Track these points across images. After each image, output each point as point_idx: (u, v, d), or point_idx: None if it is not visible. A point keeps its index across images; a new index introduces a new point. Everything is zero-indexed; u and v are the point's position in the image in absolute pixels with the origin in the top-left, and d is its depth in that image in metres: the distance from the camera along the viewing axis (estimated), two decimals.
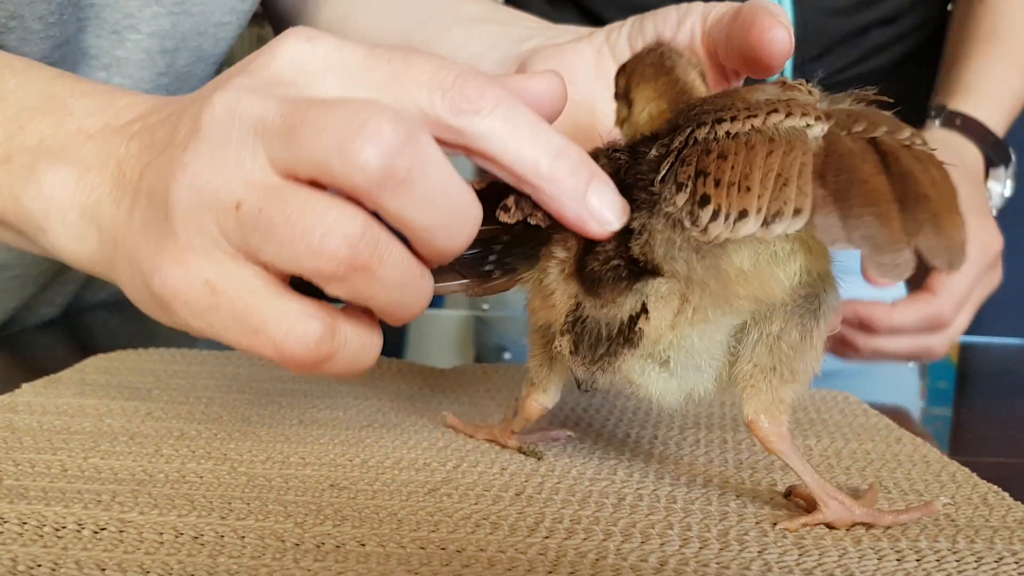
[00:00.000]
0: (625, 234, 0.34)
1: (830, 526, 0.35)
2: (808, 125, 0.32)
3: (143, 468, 0.39)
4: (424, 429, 0.46)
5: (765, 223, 0.30)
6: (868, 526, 0.35)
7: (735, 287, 0.33)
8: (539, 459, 0.42)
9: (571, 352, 0.35)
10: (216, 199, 0.32)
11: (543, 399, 0.41)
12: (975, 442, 0.55)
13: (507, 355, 0.77)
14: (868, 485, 0.39)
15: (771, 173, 0.31)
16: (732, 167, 0.31)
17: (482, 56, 0.56)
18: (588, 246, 0.35)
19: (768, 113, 0.32)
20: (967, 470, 0.42)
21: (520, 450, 0.43)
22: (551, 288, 0.36)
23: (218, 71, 0.72)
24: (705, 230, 0.32)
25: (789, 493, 0.38)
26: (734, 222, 0.31)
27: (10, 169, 0.39)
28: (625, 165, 0.35)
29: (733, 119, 0.32)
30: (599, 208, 0.34)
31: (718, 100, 0.34)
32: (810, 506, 0.36)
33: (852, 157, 0.30)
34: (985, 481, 0.40)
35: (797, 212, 0.30)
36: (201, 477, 0.38)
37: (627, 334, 0.34)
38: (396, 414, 0.48)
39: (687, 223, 0.32)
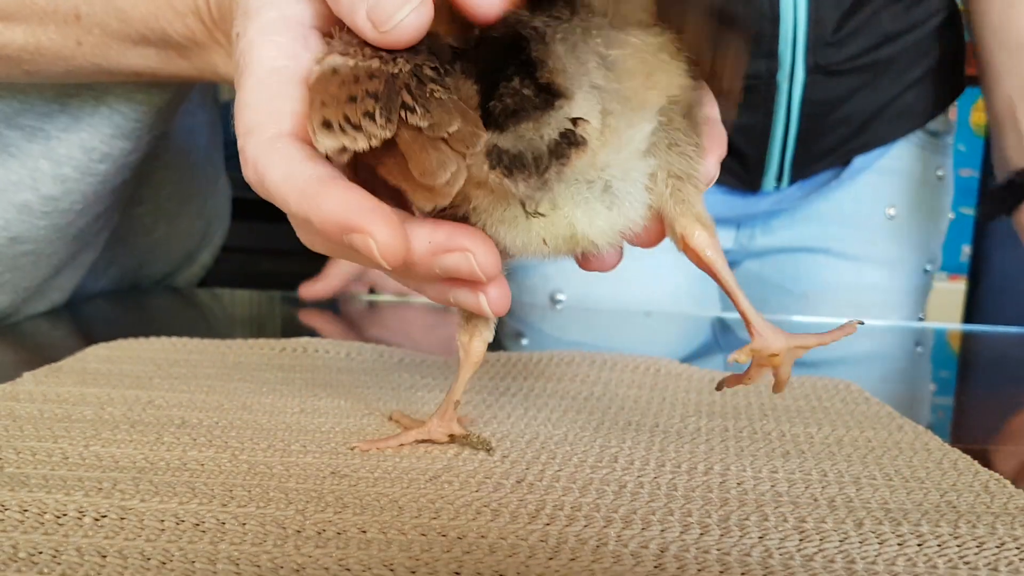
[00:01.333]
0: (527, 68, 0.32)
1: (765, 355, 0.36)
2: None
3: (144, 456, 0.39)
4: (425, 417, 0.46)
5: None
6: (866, 507, 0.35)
7: (646, 87, 0.33)
8: (488, 451, 0.40)
9: (506, 176, 0.32)
10: None
11: (487, 334, 0.40)
12: (977, 430, 0.55)
13: (525, 341, 0.76)
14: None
15: None
16: None
17: None
18: (485, 99, 0.32)
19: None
20: (969, 458, 0.42)
21: (466, 442, 0.41)
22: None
23: None
24: None
25: (720, 386, 0.40)
26: None
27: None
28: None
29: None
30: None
31: None
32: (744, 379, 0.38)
33: None
34: (987, 468, 0.40)
35: None
36: (202, 465, 0.38)
37: (563, 147, 0.32)
38: (398, 403, 0.48)
39: None
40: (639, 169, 0.35)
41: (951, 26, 0.92)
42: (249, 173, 0.34)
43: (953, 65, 0.94)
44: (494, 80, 0.32)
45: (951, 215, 0.99)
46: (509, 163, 0.32)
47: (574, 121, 0.32)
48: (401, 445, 0.41)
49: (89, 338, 0.59)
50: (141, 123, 0.64)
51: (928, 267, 0.98)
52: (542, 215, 0.34)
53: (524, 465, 0.39)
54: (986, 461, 0.41)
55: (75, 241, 0.68)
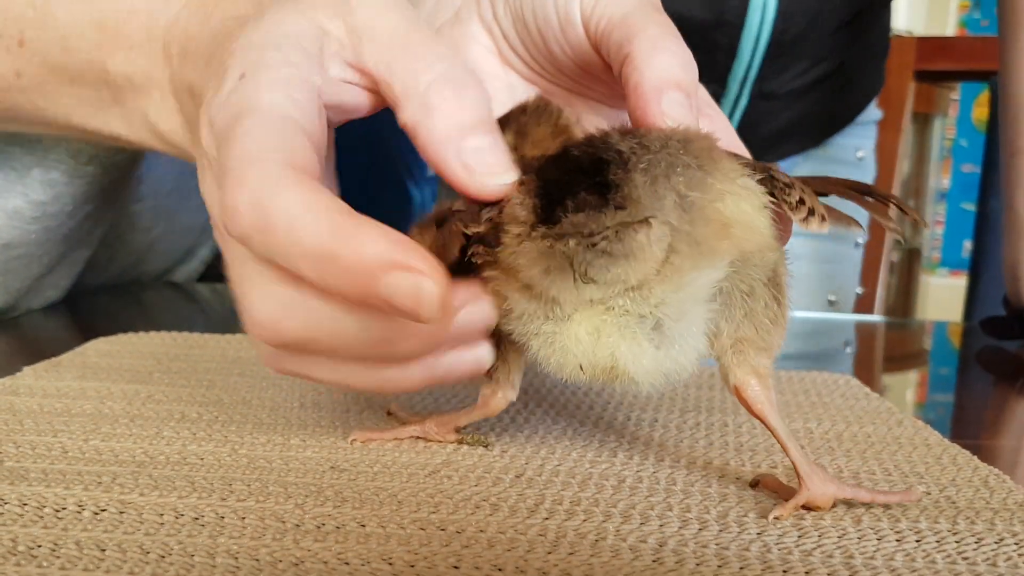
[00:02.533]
0: (599, 190, 0.32)
1: (811, 507, 0.34)
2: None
3: (144, 450, 0.39)
4: (424, 412, 0.46)
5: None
6: (866, 505, 0.35)
7: (719, 236, 0.32)
8: (487, 447, 0.40)
9: (555, 240, 0.32)
10: None
11: (510, 394, 0.39)
12: (976, 425, 0.55)
13: None
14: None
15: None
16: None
17: None
18: (548, 208, 0.32)
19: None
20: (968, 453, 0.42)
21: (463, 441, 0.41)
22: (511, 256, 0.33)
23: None
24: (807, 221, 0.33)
25: (756, 483, 0.37)
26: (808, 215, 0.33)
27: (125, 111, 0.44)
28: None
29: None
30: (398, 300, 0.29)
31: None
32: (780, 494, 0.36)
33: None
34: (986, 464, 0.40)
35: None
36: (202, 459, 0.38)
37: (627, 228, 0.31)
38: (397, 398, 0.48)
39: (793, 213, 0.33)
40: (697, 315, 0.34)
41: (878, 33, 0.94)
42: (244, 203, 0.30)
43: (875, 69, 0.97)
44: (560, 197, 0.32)
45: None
46: (559, 233, 0.32)
47: (638, 223, 0.31)
48: (396, 439, 0.41)
49: (89, 332, 0.59)
50: None
51: (859, 240, 1.03)
52: (590, 282, 0.32)
53: (523, 460, 0.39)
54: (985, 456, 0.41)
55: (65, 241, 0.68)
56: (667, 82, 0.35)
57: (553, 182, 0.33)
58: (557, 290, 0.33)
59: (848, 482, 0.36)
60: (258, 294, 0.32)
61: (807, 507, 0.34)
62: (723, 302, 0.34)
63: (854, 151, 1.01)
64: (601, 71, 0.40)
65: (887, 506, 0.35)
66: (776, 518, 0.34)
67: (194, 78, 0.39)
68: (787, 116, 0.91)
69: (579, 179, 0.32)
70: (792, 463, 0.35)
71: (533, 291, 0.33)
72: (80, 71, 0.44)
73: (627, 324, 0.33)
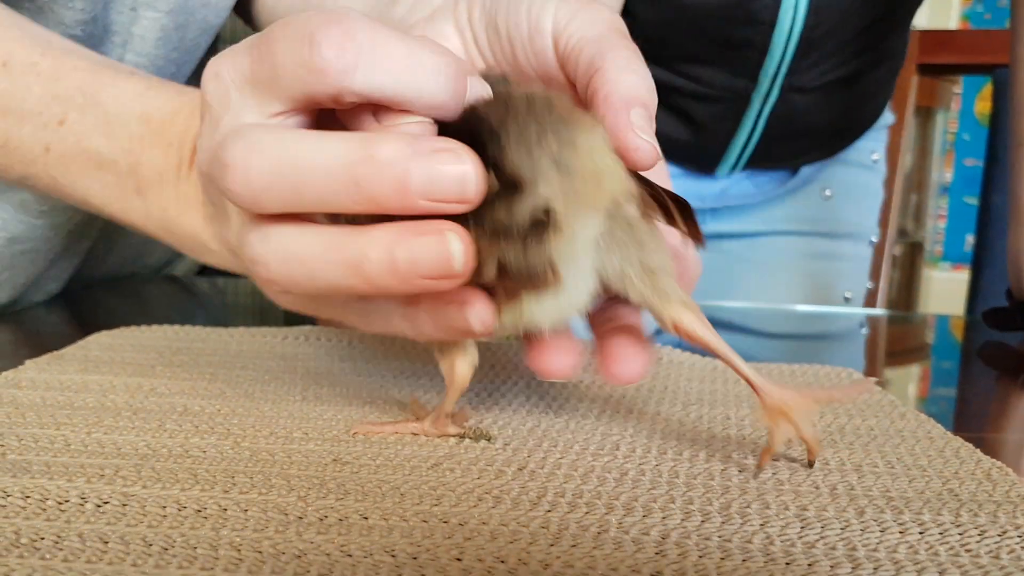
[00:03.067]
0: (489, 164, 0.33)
1: (776, 412, 0.36)
2: None
3: (146, 443, 0.39)
4: (427, 405, 0.46)
5: None
6: (868, 496, 0.35)
7: (595, 187, 0.35)
8: (490, 440, 0.40)
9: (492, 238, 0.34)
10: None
11: (471, 358, 0.40)
12: (978, 419, 0.55)
13: None
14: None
15: None
16: None
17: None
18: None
19: None
20: (971, 446, 0.42)
21: (465, 436, 0.41)
22: None
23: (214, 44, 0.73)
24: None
25: (758, 472, 0.38)
26: None
27: (147, 203, 0.45)
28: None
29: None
30: (438, 187, 0.32)
31: None
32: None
33: None
34: (989, 457, 0.40)
35: None
36: (204, 452, 0.38)
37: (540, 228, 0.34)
38: (399, 391, 0.49)
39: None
40: (587, 262, 0.36)
41: (899, 38, 0.95)
42: (256, 161, 0.33)
43: (893, 74, 0.98)
44: None
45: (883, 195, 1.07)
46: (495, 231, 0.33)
47: (546, 212, 0.33)
48: (397, 433, 0.41)
49: (91, 326, 0.59)
50: None
51: (872, 239, 1.05)
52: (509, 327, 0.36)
53: (526, 453, 0.39)
54: (988, 449, 0.41)
55: (71, 235, 0.69)
56: (636, 99, 0.37)
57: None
58: None
59: (801, 390, 0.37)
60: (260, 242, 0.34)
61: (771, 408, 0.37)
62: (614, 248, 0.36)
63: (869, 153, 1.02)
64: (559, 86, 0.42)
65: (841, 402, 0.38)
66: (758, 466, 0.36)
67: None
68: (818, 112, 0.92)
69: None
70: (744, 378, 0.37)
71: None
72: (113, 159, 0.45)
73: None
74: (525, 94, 0.35)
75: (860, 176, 1.02)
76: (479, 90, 0.35)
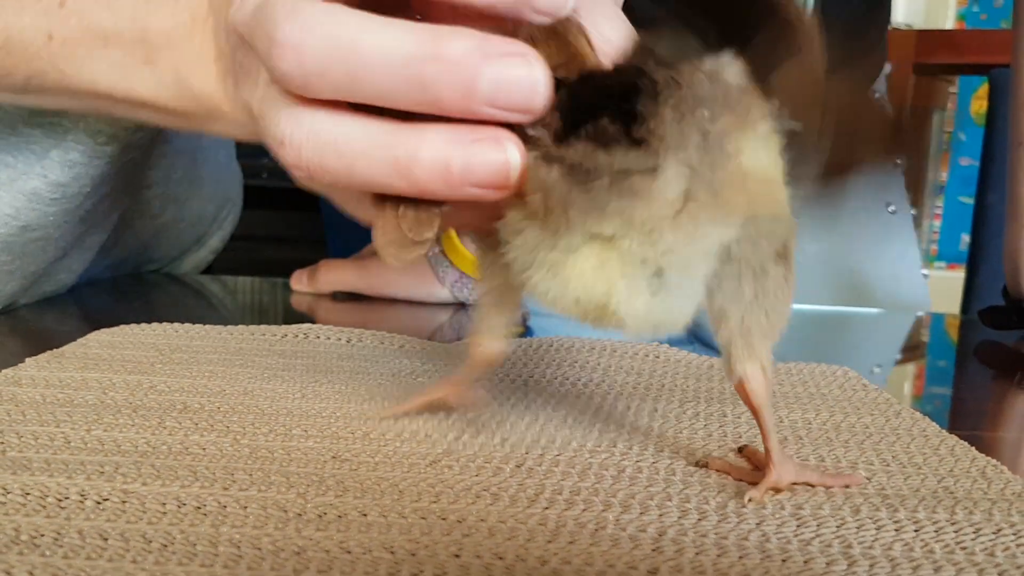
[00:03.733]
0: (624, 116, 0.30)
1: (774, 489, 0.35)
2: None
3: (146, 440, 0.39)
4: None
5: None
6: (864, 495, 0.35)
7: (736, 188, 0.31)
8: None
9: (561, 175, 0.30)
10: None
11: (491, 345, 0.39)
12: (974, 417, 0.55)
13: (529, 322, 0.76)
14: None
15: None
16: None
17: None
18: (571, 127, 0.31)
19: None
20: (966, 444, 0.42)
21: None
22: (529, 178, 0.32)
23: None
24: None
25: (742, 449, 0.40)
26: None
27: (156, 71, 0.44)
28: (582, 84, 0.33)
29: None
30: (505, 95, 0.30)
31: None
32: (758, 464, 0.38)
33: None
34: (984, 455, 0.41)
35: None
36: (204, 449, 0.38)
37: (629, 175, 0.30)
38: (398, 389, 0.49)
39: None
40: (700, 271, 0.33)
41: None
42: (312, 37, 0.31)
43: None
44: (583, 119, 0.31)
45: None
46: (564, 166, 0.30)
47: (653, 167, 0.30)
48: (420, 407, 0.42)
49: (91, 324, 0.59)
50: None
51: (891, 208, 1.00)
52: (575, 220, 0.31)
53: (523, 449, 0.39)
54: (983, 447, 0.42)
55: (82, 223, 0.69)
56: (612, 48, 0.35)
57: (582, 102, 0.31)
58: (574, 214, 0.31)
59: (806, 467, 0.37)
60: (292, 122, 0.33)
61: (772, 488, 0.35)
62: (731, 278, 0.33)
63: (884, 206, 0.99)
64: None
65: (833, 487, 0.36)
66: (752, 500, 0.34)
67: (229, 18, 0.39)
68: None
69: (607, 103, 0.31)
70: (767, 448, 0.36)
71: (547, 217, 0.32)
72: (118, 31, 0.44)
73: (630, 265, 0.32)
74: (691, 65, 0.31)
75: (878, 228, 0.99)
76: None
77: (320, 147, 0.32)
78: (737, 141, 0.30)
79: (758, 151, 0.31)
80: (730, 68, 0.31)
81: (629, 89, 0.30)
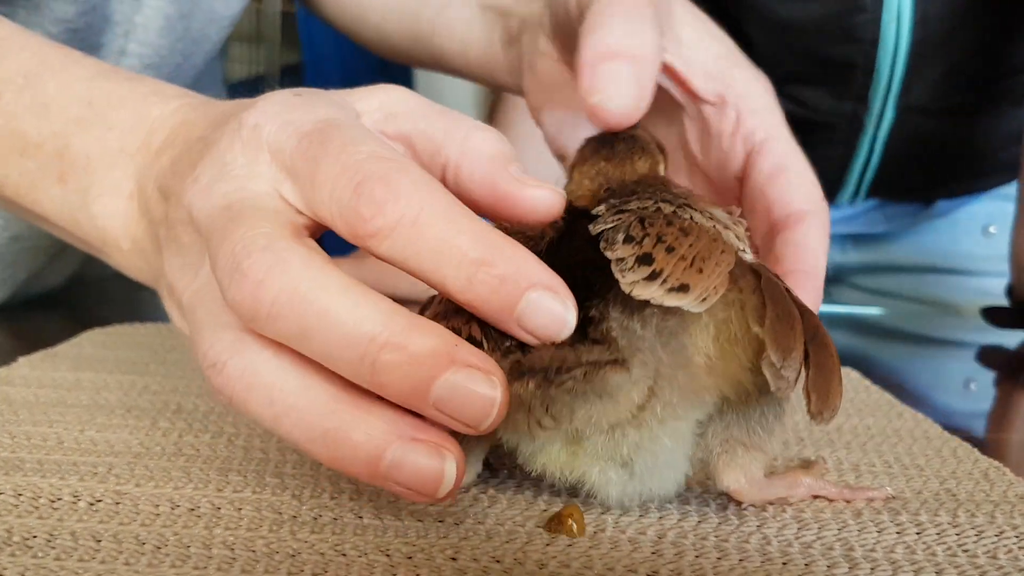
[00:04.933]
0: (581, 322, 0.30)
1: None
2: (744, 251, 0.33)
3: (139, 441, 0.38)
4: None
5: (703, 300, 0.29)
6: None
7: (703, 376, 0.30)
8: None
9: (515, 379, 0.29)
10: None
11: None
12: (977, 419, 0.55)
13: None
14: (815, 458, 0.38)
15: (722, 267, 0.30)
16: (691, 246, 0.30)
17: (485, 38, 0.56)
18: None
19: (724, 225, 0.32)
20: (968, 445, 0.42)
21: None
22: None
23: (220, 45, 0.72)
24: (632, 285, 0.29)
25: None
26: (669, 290, 0.29)
27: (65, 191, 0.40)
28: (566, 236, 0.33)
29: (695, 210, 0.32)
30: (534, 320, 0.29)
31: (666, 186, 0.34)
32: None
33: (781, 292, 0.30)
34: (986, 457, 0.40)
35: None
36: (198, 450, 0.38)
37: (599, 367, 0.29)
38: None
39: (616, 272, 0.29)
40: (678, 454, 0.32)
41: None
42: (275, 291, 0.28)
43: None
44: None
45: None
46: (525, 370, 0.29)
47: (616, 360, 0.29)
48: None
49: (85, 323, 0.59)
50: None
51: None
52: (547, 426, 0.30)
53: None
54: (986, 449, 0.41)
55: None
56: (604, 54, 0.33)
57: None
58: (532, 422, 0.30)
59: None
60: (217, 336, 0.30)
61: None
62: (711, 427, 0.33)
63: None
64: None
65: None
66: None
67: (168, 175, 0.37)
68: (950, 138, 0.85)
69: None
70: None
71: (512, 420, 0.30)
72: (40, 142, 0.41)
73: (599, 458, 0.31)
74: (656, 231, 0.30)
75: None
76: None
77: (251, 387, 0.29)
78: (695, 328, 0.30)
79: (717, 331, 0.30)
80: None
81: (586, 282, 0.30)
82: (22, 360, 0.50)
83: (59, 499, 0.32)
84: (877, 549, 0.31)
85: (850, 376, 0.55)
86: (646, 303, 0.29)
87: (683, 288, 0.29)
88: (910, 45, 0.79)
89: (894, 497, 0.35)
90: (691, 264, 0.29)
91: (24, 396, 0.44)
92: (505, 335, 0.30)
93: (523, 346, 0.30)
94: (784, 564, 0.29)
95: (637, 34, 0.35)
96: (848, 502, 0.35)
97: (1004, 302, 0.76)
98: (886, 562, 0.30)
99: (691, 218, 0.32)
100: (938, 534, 0.32)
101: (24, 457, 0.36)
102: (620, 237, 0.30)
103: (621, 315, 0.30)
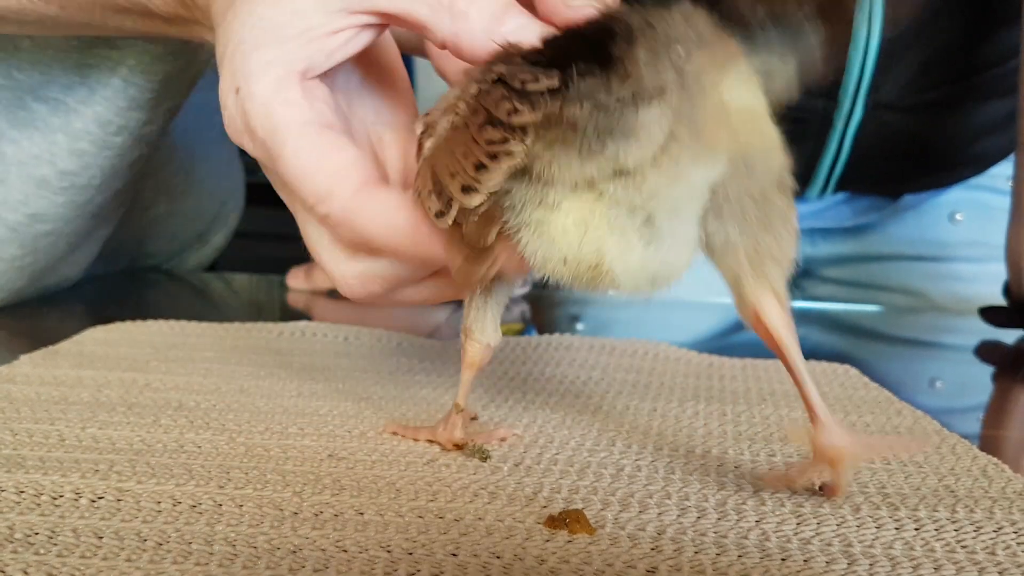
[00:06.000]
0: (601, 64, 0.29)
1: (829, 458, 0.32)
2: None
3: (141, 438, 0.38)
4: (423, 402, 0.46)
5: None
6: (864, 493, 0.35)
7: (718, 124, 0.30)
8: (485, 460, 0.38)
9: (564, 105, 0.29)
10: None
11: (482, 338, 0.39)
12: (975, 415, 0.55)
13: (580, 326, 0.75)
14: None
15: None
16: None
17: None
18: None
19: None
20: (967, 442, 0.42)
21: (463, 449, 0.38)
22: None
23: None
24: None
25: (759, 483, 0.36)
26: None
27: None
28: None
29: None
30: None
31: None
32: (788, 484, 0.35)
33: None
34: (985, 453, 0.40)
35: None
36: (199, 447, 0.38)
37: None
38: (395, 387, 0.48)
39: None
40: (691, 213, 0.32)
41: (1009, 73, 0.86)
42: (346, 229, 0.35)
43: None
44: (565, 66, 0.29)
45: None
46: (570, 97, 0.29)
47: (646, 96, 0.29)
48: (415, 439, 0.40)
49: (87, 321, 0.59)
50: (156, 94, 0.64)
51: None
52: (598, 151, 0.30)
53: (522, 448, 0.39)
54: (984, 446, 0.41)
55: (93, 219, 0.69)
56: None
57: (560, 52, 0.30)
58: (556, 164, 0.30)
59: (863, 434, 0.34)
60: (345, 267, 0.37)
61: (822, 446, 0.32)
62: (733, 207, 0.32)
63: (1005, 180, 0.91)
64: None
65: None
66: (791, 439, 0.32)
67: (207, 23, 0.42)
68: (920, 134, 0.85)
69: (584, 51, 0.30)
70: (805, 401, 0.33)
71: (531, 170, 0.31)
72: (123, 7, 0.46)
73: (617, 216, 0.31)
74: (667, 7, 0.30)
75: (995, 200, 0.91)
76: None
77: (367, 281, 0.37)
78: (714, 78, 0.30)
79: (738, 87, 0.31)
80: (702, 12, 0.30)
81: (605, 35, 0.30)
82: (24, 357, 0.50)
83: (61, 496, 0.32)
84: (875, 545, 0.31)
85: (849, 373, 0.55)
86: (669, 45, 0.29)
87: None
88: (880, 43, 0.80)
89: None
90: None
91: (26, 394, 0.44)
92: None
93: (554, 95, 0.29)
94: (783, 560, 0.29)
95: None
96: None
97: (993, 300, 0.77)
98: (884, 558, 0.30)
99: None
100: (936, 530, 0.32)
101: (26, 454, 0.36)
102: None
103: (647, 54, 0.29)
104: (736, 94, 0.31)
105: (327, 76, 0.37)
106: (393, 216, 0.35)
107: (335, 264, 0.37)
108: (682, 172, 0.30)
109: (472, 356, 0.39)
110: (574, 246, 0.31)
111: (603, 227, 0.31)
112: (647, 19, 0.30)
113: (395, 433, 0.40)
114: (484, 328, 0.38)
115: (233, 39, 0.36)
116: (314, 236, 0.38)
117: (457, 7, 0.34)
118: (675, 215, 0.31)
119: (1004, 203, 0.89)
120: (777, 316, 0.33)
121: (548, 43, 0.31)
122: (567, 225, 0.31)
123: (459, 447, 0.39)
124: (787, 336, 0.33)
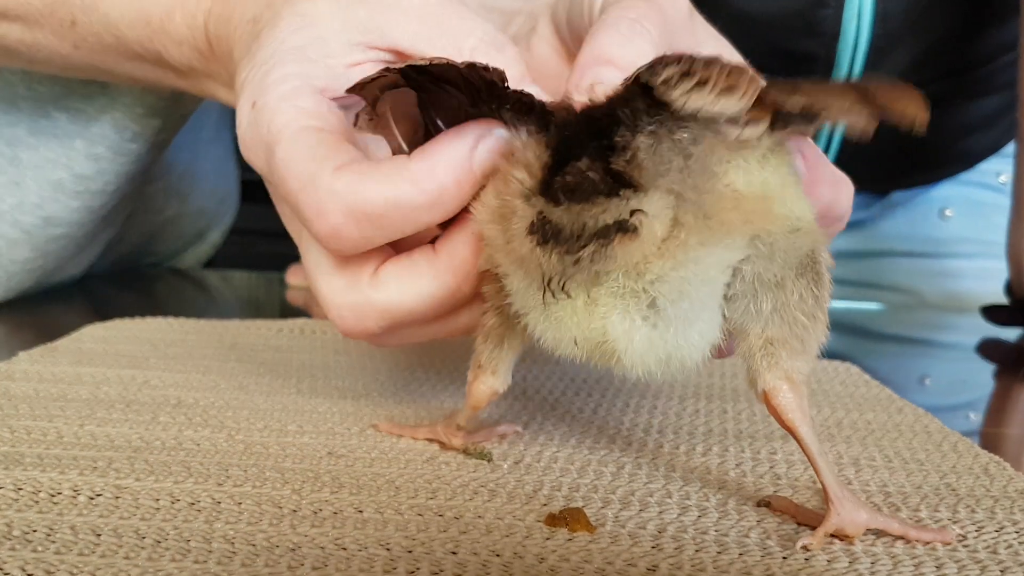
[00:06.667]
0: (603, 151, 0.29)
1: (840, 536, 0.31)
2: None
3: (139, 435, 0.38)
4: (423, 399, 0.46)
5: (745, 97, 0.28)
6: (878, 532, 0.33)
7: (730, 208, 0.29)
8: (488, 460, 0.37)
9: (539, 244, 0.29)
10: None
11: (492, 382, 0.36)
12: (977, 413, 0.55)
13: None
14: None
15: (752, 75, 0.29)
16: (722, 66, 0.29)
17: None
18: (556, 166, 0.30)
19: None
20: (968, 440, 0.42)
21: (465, 451, 0.38)
22: (509, 208, 0.31)
23: None
24: (682, 96, 0.28)
25: (766, 504, 0.34)
26: (718, 95, 0.28)
27: None
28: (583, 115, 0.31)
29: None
30: None
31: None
32: (796, 517, 0.33)
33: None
34: (987, 451, 0.40)
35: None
36: (198, 444, 0.38)
37: (611, 230, 0.29)
38: (394, 384, 0.48)
39: (662, 91, 0.28)
40: (704, 297, 0.31)
41: (998, 69, 0.87)
42: (337, 214, 0.32)
43: (1004, 110, 0.88)
44: (568, 157, 0.30)
45: None
46: (547, 234, 0.29)
47: (632, 212, 0.29)
48: (412, 438, 0.40)
49: (86, 318, 0.59)
50: (172, 100, 0.64)
51: None
52: (564, 297, 0.30)
53: (521, 446, 0.39)
54: (986, 444, 0.41)
55: (103, 221, 0.69)
56: (598, 57, 0.34)
57: (567, 138, 0.30)
58: (533, 290, 0.31)
59: (881, 511, 0.33)
60: (341, 297, 0.35)
61: (836, 535, 0.31)
62: (746, 293, 0.31)
63: (996, 176, 0.92)
64: None
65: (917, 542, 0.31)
66: (805, 547, 0.30)
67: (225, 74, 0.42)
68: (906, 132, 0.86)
69: (587, 140, 0.30)
70: (822, 484, 0.31)
71: (527, 269, 0.31)
72: (137, 54, 0.46)
73: (621, 297, 0.30)
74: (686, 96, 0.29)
75: (985, 196, 0.92)
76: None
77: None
78: (725, 160, 0.29)
79: (753, 167, 0.30)
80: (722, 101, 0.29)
81: (610, 120, 0.29)
82: (22, 354, 0.49)
83: (59, 493, 0.32)
84: (877, 544, 0.31)
85: (850, 371, 0.55)
86: (674, 130, 0.29)
87: (729, 89, 0.28)
88: (870, 40, 0.80)
89: (962, 537, 0.32)
90: (729, 73, 0.28)
91: (24, 390, 0.43)
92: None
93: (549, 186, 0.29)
94: (784, 559, 0.29)
95: (633, 45, 0.35)
96: (909, 541, 0.31)
97: (987, 296, 0.77)
98: (886, 556, 0.30)
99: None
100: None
101: (24, 451, 0.36)
102: (660, 67, 0.29)
103: (648, 140, 0.29)
104: (751, 174, 0.30)
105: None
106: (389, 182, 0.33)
107: (332, 294, 0.35)
108: (689, 257, 0.30)
109: (478, 397, 0.37)
110: (582, 326, 0.31)
111: (608, 307, 0.31)
112: (655, 99, 0.29)
113: (391, 432, 0.40)
114: (497, 370, 0.37)
115: (256, 62, 0.36)
116: (313, 260, 0.36)
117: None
118: (683, 299, 0.30)
119: (994, 199, 0.91)
120: (788, 402, 0.32)
121: (562, 127, 0.31)
122: (576, 305, 0.31)
123: (460, 450, 0.38)
124: (799, 420, 0.32)
